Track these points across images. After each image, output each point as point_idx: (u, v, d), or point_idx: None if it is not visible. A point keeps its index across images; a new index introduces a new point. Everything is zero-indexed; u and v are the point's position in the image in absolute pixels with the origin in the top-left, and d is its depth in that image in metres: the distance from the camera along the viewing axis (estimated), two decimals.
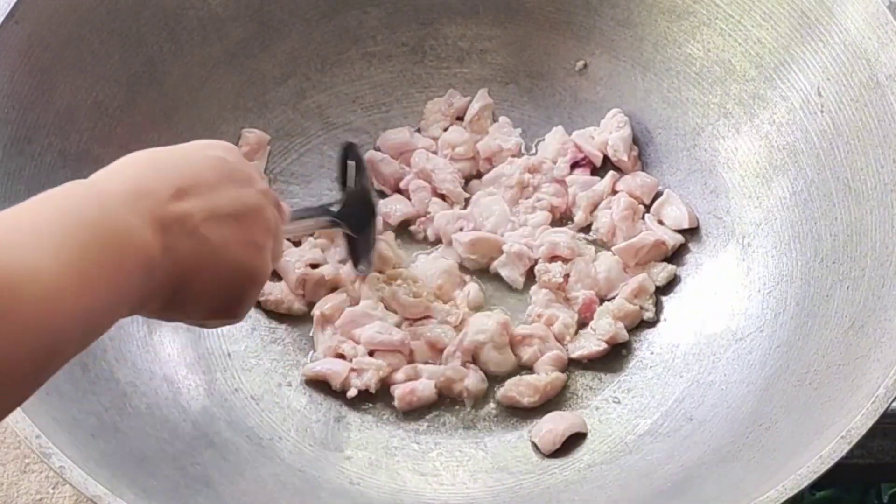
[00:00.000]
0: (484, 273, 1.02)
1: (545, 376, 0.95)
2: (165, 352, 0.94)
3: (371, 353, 0.96)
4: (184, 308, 0.62)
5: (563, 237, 1.00)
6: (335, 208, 0.95)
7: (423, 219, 1.04)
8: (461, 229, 1.02)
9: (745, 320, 0.94)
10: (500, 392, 0.95)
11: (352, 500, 0.89)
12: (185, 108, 1.01)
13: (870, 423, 0.75)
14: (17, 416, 0.75)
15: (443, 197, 1.04)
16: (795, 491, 0.73)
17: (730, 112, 1.00)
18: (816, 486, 1.08)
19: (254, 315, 0.99)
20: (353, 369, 0.95)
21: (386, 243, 1.01)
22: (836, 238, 0.90)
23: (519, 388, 0.95)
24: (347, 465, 0.92)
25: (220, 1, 1.02)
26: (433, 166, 1.04)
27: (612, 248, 1.00)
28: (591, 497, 0.88)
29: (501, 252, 1.01)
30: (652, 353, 0.97)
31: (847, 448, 0.74)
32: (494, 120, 1.08)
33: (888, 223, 0.86)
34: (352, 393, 0.95)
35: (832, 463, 0.74)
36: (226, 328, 0.97)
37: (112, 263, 0.55)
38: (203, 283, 0.62)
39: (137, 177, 0.60)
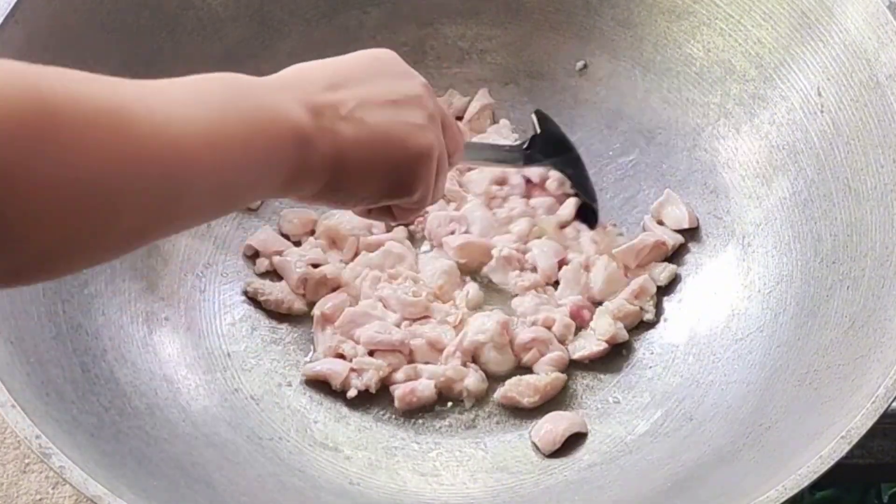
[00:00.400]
0: (479, 274, 1.02)
1: (545, 376, 0.95)
2: (165, 352, 0.94)
3: (371, 353, 0.96)
4: (351, 189, 0.64)
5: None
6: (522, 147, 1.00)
7: (421, 218, 1.04)
8: (453, 232, 1.02)
9: (745, 320, 0.94)
10: (500, 392, 0.95)
11: (352, 500, 0.89)
12: None
13: (870, 423, 0.75)
14: (17, 416, 0.75)
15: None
16: (796, 491, 0.73)
17: (730, 112, 1.00)
18: (816, 486, 1.08)
19: (254, 315, 0.99)
20: (353, 369, 0.95)
21: (399, 242, 1.01)
22: (836, 238, 0.90)
23: (519, 389, 0.94)
24: (347, 465, 0.92)
25: (221, 1, 1.02)
26: None
27: (613, 251, 1.00)
28: (591, 497, 0.88)
29: (491, 257, 1.00)
30: (652, 353, 0.97)
31: (847, 448, 0.74)
32: (495, 121, 1.08)
33: (888, 223, 0.86)
34: (352, 393, 0.95)
35: (832, 463, 0.74)
36: (226, 328, 0.98)
37: (253, 124, 0.56)
38: (364, 162, 0.63)
39: (290, 74, 0.64)
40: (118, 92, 0.50)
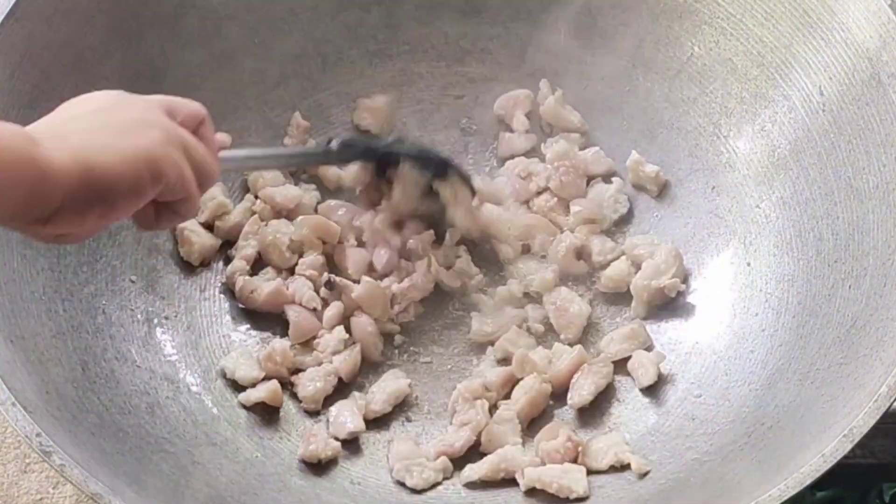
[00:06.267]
0: None
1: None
2: (165, 351, 0.94)
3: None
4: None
5: None
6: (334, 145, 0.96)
7: None
8: None
9: (746, 319, 0.94)
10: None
11: (352, 500, 0.89)
12: None
13: (872, 422, 0.75)
14: (17, 415, 0.75)
15: None
16: (798, 489, 0.73)
17: (731, 111, 1.00)
18: (818, 485, 1.07)
19: (253, 314, 0.99)
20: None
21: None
22: (838, 237, 0.90)
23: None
24: (348, 464, 0.92)
25: (221, 0, 1.02)
26: None
27: None
28: (591, 496, 0.88)
29: None
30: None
31: (850, 446, 0.74)
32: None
33: (890, 222, 0.86)
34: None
35: (835, 461, 0.74)
36: (226, 327, 0.98)
37: None
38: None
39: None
40: None
